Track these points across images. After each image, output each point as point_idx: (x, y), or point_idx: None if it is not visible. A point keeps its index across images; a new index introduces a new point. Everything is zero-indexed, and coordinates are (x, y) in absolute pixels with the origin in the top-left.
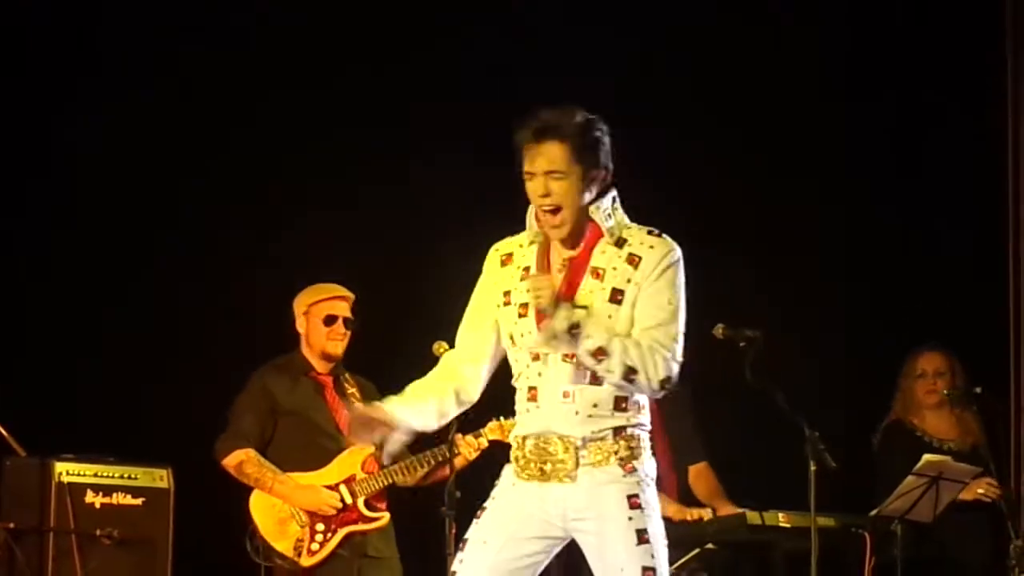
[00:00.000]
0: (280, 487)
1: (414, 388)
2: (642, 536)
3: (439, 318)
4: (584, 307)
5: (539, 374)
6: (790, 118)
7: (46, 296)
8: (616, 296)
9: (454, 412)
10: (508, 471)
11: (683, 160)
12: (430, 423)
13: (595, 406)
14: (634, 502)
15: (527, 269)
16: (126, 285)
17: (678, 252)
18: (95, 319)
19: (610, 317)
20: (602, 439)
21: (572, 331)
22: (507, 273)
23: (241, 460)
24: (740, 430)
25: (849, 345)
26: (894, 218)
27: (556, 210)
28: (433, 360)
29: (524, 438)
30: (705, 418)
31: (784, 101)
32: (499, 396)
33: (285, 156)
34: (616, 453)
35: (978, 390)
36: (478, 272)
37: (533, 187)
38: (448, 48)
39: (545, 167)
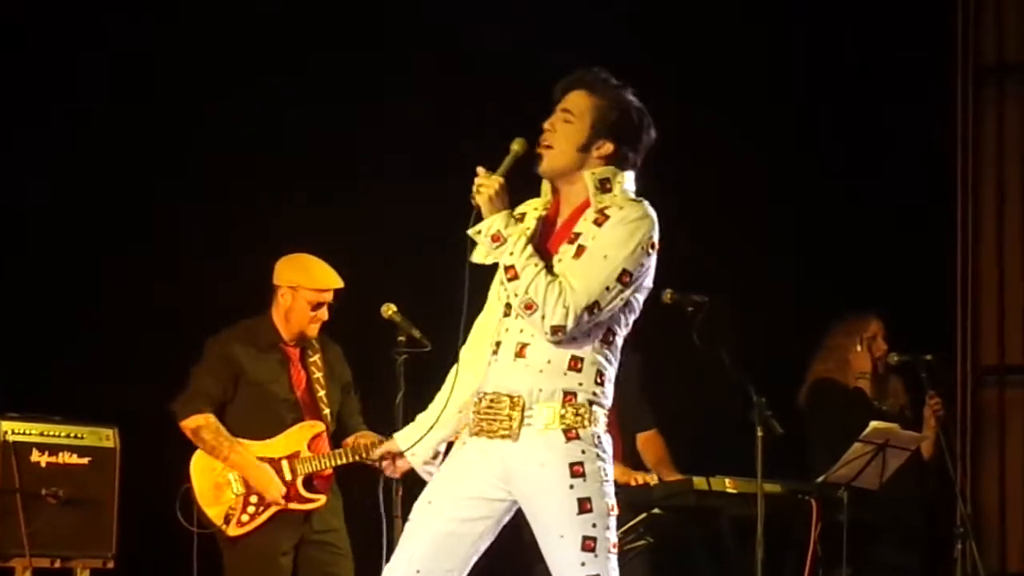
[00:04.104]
0: (236, 457)
1: (438, 404)
2: (584, 505)
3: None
4: (525, 227)
5: (506, 329)
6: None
7: None
8: (579, 252)
9: None
10: (464, 432)
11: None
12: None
13: (548, 362)
14: (576, 470)
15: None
16: (72, 248)
17: (647, 217)
18: (40, 281)
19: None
20: (550, 400)
21: (495, 239)
22: None
23: (200, 425)
24: (687, 395)
25: (798, 313)
26: (842, 193)
27: (549, 147)
28: (381, 322)
29: (483, 395)
30: (653, 384)
31: (739, 75)
32: None
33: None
34: (562, 418)
35: (928, 358)
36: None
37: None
38: None
39: (563, 105)
